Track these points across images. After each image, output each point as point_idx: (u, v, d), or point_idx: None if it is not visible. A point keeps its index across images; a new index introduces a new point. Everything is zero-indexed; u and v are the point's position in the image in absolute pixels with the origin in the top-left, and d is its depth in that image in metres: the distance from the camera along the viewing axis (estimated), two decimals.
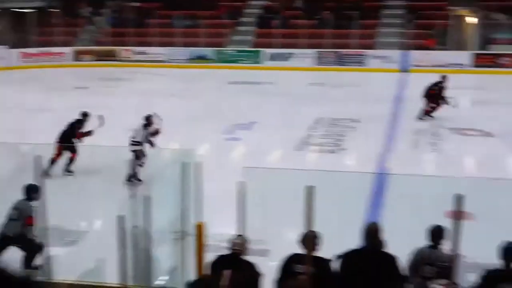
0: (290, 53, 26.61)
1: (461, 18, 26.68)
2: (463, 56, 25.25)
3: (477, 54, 25.37)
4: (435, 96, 16.57)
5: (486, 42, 26.15)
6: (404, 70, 24.96)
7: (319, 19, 27.78)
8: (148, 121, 12.04)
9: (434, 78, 16.89)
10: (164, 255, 6.64)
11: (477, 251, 7.09)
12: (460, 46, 26.25)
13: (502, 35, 26.06)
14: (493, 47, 25.84)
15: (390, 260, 5.58)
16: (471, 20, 26.32)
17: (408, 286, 5.79)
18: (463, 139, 14.89)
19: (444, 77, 16.80)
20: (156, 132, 12.03)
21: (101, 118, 12.46)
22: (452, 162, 12.98)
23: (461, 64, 24.76)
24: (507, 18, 26.34)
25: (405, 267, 5.87)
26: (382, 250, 5.70)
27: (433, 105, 16.60)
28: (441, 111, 16.52)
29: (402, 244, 6.06)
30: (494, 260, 5.64)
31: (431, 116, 16.67)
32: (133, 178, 11.39)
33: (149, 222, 6.15)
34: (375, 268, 5.51)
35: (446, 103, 16.44)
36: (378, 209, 10.11)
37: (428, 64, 24.88)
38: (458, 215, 4.54)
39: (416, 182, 11.44)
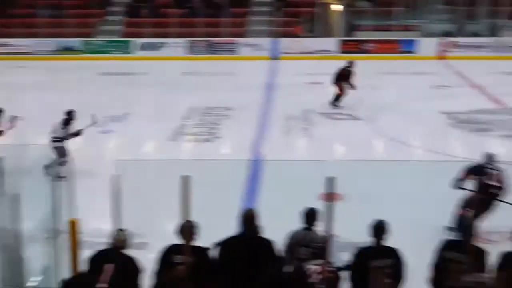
0: (161, 43, 26.29)
1: (327, 5, 27.49)
2: (330, 43, 26.05)
3: (343, 41, 26.26)
4: (344, 79, 16.62)
5: (351, 28, 27.13)
6: (275, 57, 25.40)
7: (190, 7, 27.67)
8: (69, 116, 11.45)
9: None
10: (36, 255, 6.38)
11: (349, 231, 7.38)
12: (327, 33, 27.07)
13: (366, 21, 27.14)
14: (357, 34, 26.85)
15: (267, 244, 5.69)
16: (337, 7, 27.19)
17: (285, 268, 5.92)
18: (332, 123, 15.40)
19: (351, 63, 17.02)
20: (77, 133, 11.47)
21: (13, 119, 11.49)
22: (323, 146, 13.40)
23: (329, 51, 25.54)
24: (370, 5, 27.50)
25: (281, 250, 6.00)
26: (259, 235, 5.80)
27: (339, 91, 16.65)
28: (346, 97, 16.75)
29: (278, 228, 6.19)
30: (365, 238, 5.89)
31: (336, 105, 16.77)
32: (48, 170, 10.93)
33: (18, 222, 5.89)
34: (253, 253, 5.60)
35: (353, 88, 16.67)
36: (254, 195, 10.26)
37: (297, 51, 25.49)
38: (330, 197, 4.68)
39: (289, 167, 11.76)
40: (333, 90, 16.75)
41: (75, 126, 11.44)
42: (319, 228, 5.85)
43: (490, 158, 8.86)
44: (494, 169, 8.68)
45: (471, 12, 27.17)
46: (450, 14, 27.33)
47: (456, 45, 25.50)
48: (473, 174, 8.62)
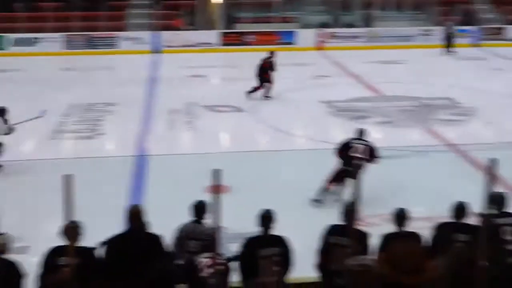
0: (36, 38, 25.32)
1: None
2: (211, 35, 26.09)
3: (224, 33, 26.40)
4: (267, 70, 16.66)
5: (231, 21, 27.32)
6: (156, 51, 25.13)
7: (66, 1, 26.81)
8: (3, 112, 11.01)
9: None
10: None
11: (237, 222, 7.45)
12: (207, 25, 27.09)
13: (245, 14, 27.42)
14: (238, 26, 27.08)
15: (155, 239, 5.65)
16: (216, 0, 27.28)
17: (175, 262, 5.89)
18: (216, 115, 15.44)
19: (272, 53, 17.08)
20: (9, 130, 11.03)
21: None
22: (207, 139, 13.42)
23: (210, 43, 25.60)
24: None
25: (170, 245, 5.97)
26: (146, 231, 5.73)
27: (259, 85, 16.64)
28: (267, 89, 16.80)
29: (167, 222, 6.15)
30: (253, 228, 5.96)
31: (268, 97, 16.76)
32: None
33: None
34: (140, 250, 5.53)
35: (270, 81, 16.70)
36: (140, 191, 10.13)
37: (179, 44, 25.32)
38: (216, 189, 4.69)
39: (175, 161, 11.71)
40: (255, 82, 16.75)
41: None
42: (209, 220, 5.86)
43: (360, 133, 9.78)
44: (360, 143, 9.54)
45: (345, 3, 28.13)
46: (326, 5, 28.15)
47: (333, 36, 26.29)
48: (342, 150, 9.52)
